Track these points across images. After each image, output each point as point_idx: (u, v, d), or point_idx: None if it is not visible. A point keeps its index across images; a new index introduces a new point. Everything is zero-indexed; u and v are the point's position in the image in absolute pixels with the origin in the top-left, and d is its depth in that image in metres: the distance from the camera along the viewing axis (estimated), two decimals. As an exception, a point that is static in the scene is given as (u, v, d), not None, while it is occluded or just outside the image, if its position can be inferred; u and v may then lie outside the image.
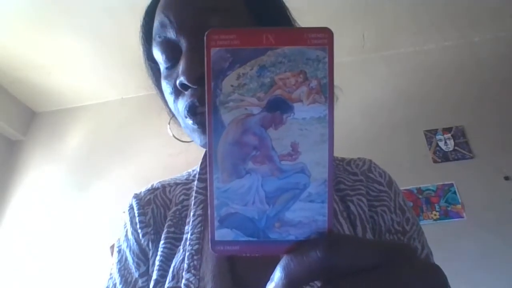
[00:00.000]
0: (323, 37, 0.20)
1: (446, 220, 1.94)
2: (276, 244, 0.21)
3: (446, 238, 1.84)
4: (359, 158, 0.52)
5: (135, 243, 0.48)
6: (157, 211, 0.49)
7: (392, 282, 0.18)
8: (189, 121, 0.40)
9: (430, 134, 2.18)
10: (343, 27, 2.26)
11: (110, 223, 2.15)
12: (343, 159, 0.52)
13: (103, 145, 2.54)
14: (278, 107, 0.20)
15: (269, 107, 0.20)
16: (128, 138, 2.14)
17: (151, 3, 0.47)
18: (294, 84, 0.20)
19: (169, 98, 0.43)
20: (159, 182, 0.54)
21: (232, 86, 0.20)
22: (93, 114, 2.69)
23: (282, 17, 0.47)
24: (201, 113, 0.39)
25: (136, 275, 0.45)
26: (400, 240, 0.43)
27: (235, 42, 0.20)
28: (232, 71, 0.20)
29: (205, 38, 0.20)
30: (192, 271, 0.40)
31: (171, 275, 0.41)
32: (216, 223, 0.21)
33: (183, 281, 0.39)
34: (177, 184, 0.52)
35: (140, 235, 0.47)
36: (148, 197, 0.51)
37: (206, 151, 0.48)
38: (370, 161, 0.51)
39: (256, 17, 0.42)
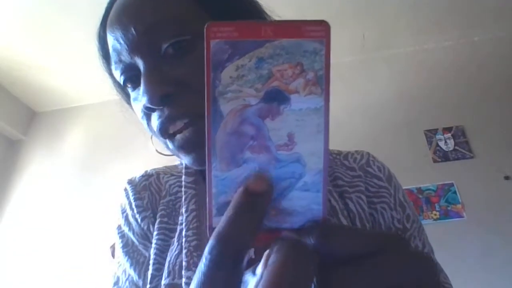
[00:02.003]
0: (320, 30, 0.20)
1: (446, 220, 1.94)
2: (272, 232, 0.21)
3: (446, 238, 1.84)
4: (356, 151, 0.50)
5: (137, 226, 0.46)
6: (153, 198, 0.48)
7: (384, 270, 0.19)
8: (169, 143, 0.40)
9: (430, 134, 2.18)
10: (343, 27, 2.26)
11: (110, 223, 2.15)
12: (339, 152, 0.50)
13: (103, 144, 2.54)
14: (275, 98, 0.20)
15: (267, 98, 0.20)
16: (128, 137, 2.13)
17: (101, 25, 0.45)
18: (291, 75, 0.20)
19: (143, 122, 0.42)
20: (153, 169, 0.53)
21: (230, 77, 0.20)
22: (93, 114, 2.70)
23: (246, 15, 0.43)
24: (175, 133, 0.38)
25: (147, 255, 0.44)
26: None
27: (234, 34, 0.20)
28: (231, 63, 0.20)
29: (204, 30, 0.20)
30: (193, 268, 0.38)
31: (166, 271, 0.40)
32: (214, 211, 0.21)
33: (184, 279, 0.38)
34: (172, 174, 0.51)
35: (139, 219, 0.46)
36: (143, 183, 0.50)
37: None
38: (368, 154, 0.49)
39: (214, 18, 0.39)
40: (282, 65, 0.20)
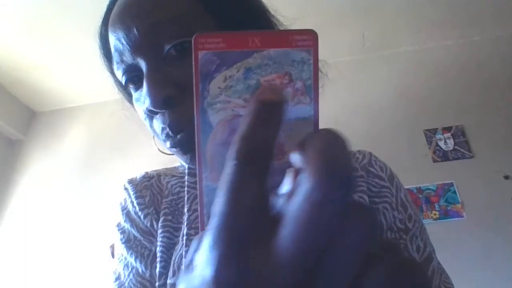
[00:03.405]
0: (307, 39, 0.20)
1: (446, 220, 1.94)
2: None
3: (446, 238, 1.84)
4: (358, 151, 0.50)
5: (140, 223, 0.46)
6: (154, 198, 0.48)
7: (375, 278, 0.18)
8: (168, 144, 0.40)
9: (430, 134, 2.18)
10: (343, 27, 2.26)
11: (110, 222, 2.15)
12: None
13: (103, 144, 2.54)
14: None
15: None
16: (128, 137, 2.14)
17: (102, 23, 0.44)
18: (280, 85, 0.20)
19: (145, 122, 0.42)
20: (154, 171, 0.53)
21: (219, 88, 0.20)
22: (93, 114, 2.70)
23: (251, 17, 0.42)
24: (174, 135, 0.38)
25: (153, 249, 0.44)
26: (402, 238, 0.42)
27: (222, 45, 0.20)
28: (219, 74, 0.20)
29: (192, 41, 0.20)
30: None
31: (171, 270, 0.40)
32: (205, 220, 0.21)
33: None
34: (172, 175, 0.51)
35: (142, 216, 0.46)
36: (144, 183, 0.50)
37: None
38: (370, 153, 0.49)
39: (218, 19, 0.39)
40: (270, 75, 0.20)
